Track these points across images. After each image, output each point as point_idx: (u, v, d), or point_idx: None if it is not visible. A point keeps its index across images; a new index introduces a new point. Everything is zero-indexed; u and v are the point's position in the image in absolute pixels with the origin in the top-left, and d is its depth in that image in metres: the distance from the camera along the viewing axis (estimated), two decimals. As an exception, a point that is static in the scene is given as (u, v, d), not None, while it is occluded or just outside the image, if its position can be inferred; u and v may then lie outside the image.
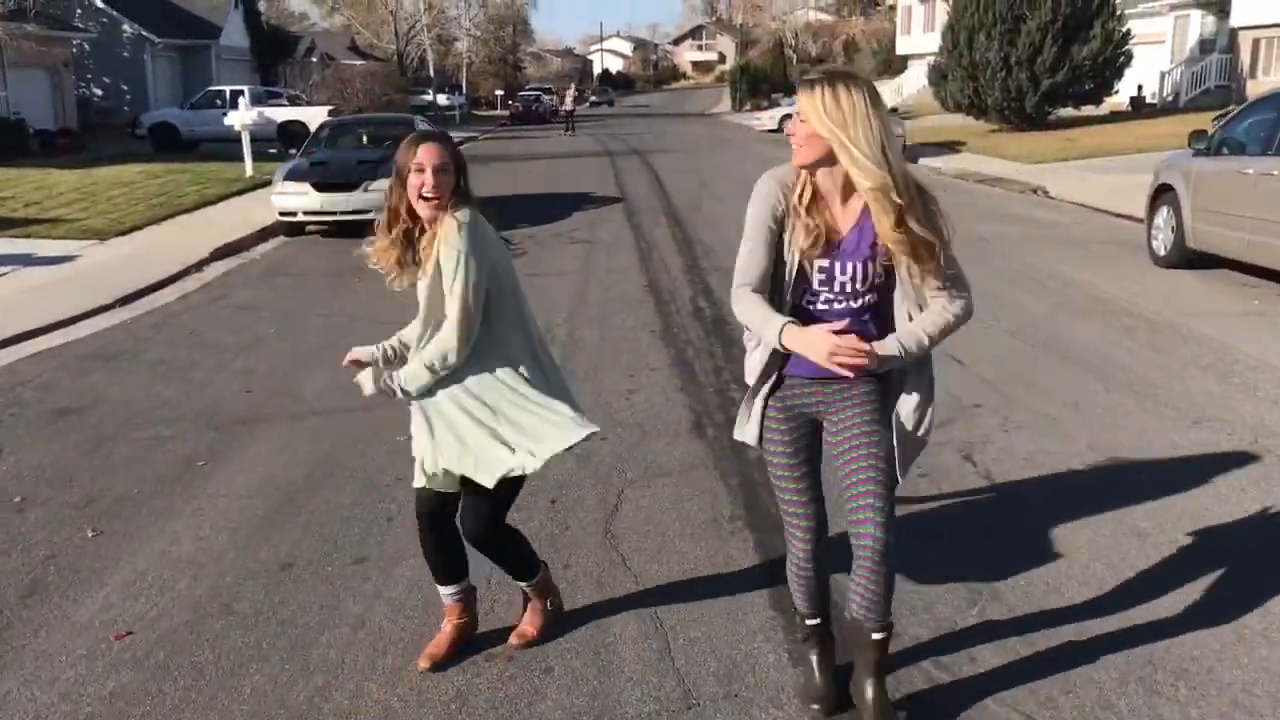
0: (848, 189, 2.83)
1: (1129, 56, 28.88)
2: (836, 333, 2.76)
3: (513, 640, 3.60)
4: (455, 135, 27.61)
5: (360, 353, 3.52)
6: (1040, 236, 12.79)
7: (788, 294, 2.88)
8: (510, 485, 3.33)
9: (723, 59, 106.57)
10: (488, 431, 3.26)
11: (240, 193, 18.06)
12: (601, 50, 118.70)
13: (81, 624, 3.84)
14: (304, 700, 3.32)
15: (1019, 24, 28.17)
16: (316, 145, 15.50)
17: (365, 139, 15.83)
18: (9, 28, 25.86)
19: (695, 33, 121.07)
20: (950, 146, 27.07)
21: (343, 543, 4.46)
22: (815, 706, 3.19)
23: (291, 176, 13.85)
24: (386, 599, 3.95)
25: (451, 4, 64.37)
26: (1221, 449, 5.35)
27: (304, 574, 4.19)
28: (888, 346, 2.81)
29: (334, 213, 13.56)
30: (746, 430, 3.07)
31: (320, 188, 13.56)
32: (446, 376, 3.27)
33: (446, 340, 3.20)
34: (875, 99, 2.76)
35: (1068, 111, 29.99)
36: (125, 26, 36.68)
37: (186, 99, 32.03)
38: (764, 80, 58.70)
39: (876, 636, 3.02)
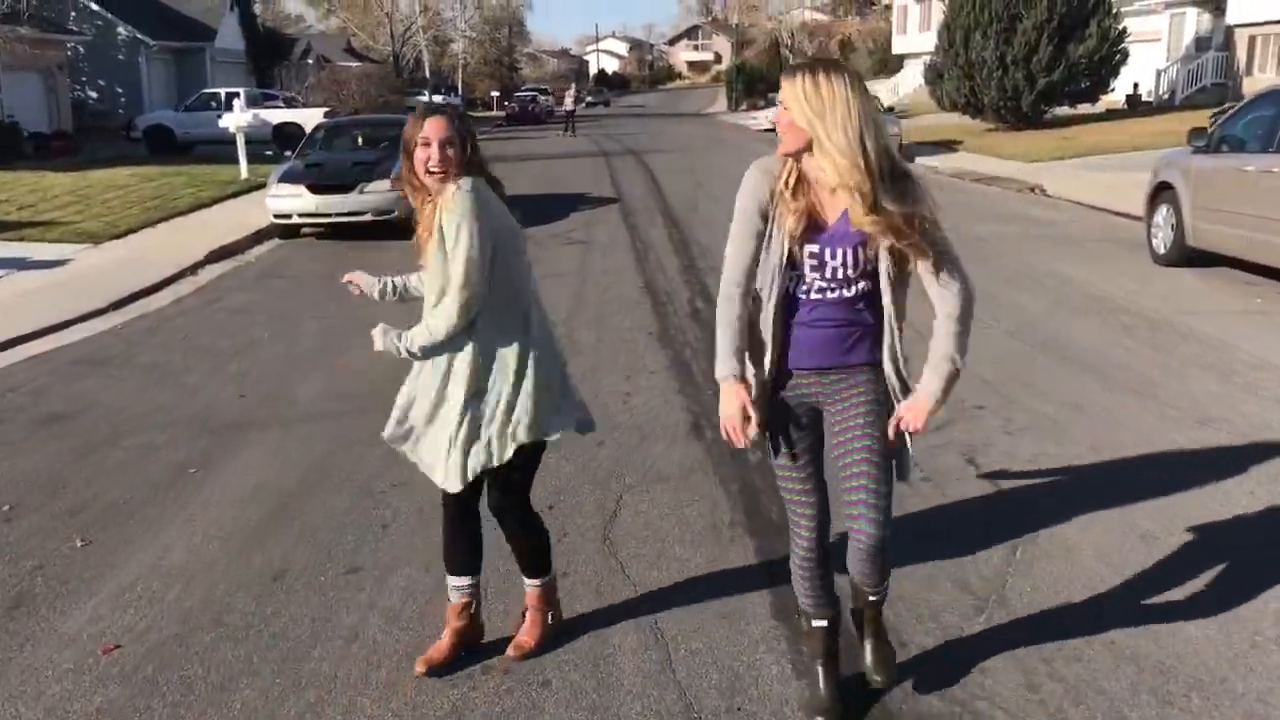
0: None
1: (1125, 54, 28.87)
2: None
3: (510, 652, 3.52)
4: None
5: (360, 276, 3.59)
6: (1038, 235, 12.73)
7: (777, 281, 2.87)
8: (528, 462, 3.34)
9: (718, 59, 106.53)
10: (467, 422, 3.24)
11: (235, 195, 17.97)
12: (597, 51, 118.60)
13: (69, 637, 3.76)
14: (295, 716, 3.24)
15: (1015, 23, 28.15)
16: (311, 147, 15.41)
17: (360, 140, 15.74)
18: (3, 30, 25.75)
19: (691, 33, 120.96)
20: (946, 145, 27.02)
21: (336, 551, 4.38)
22: (819, 719, 3.13)
23: (286, 179, 13.77)
24: (380, 610, 3.87)
25: (447, 5, 64.34)
26: (1226, 450, 5.28)
27: (296, 584, 4.11)
28: (931, 388, 2.85)
29: (329, 215, 13.48)
30: (755, 426, 3.00)
31: (315, 190, 13.48)
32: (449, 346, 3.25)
33: (447, 306, 3.17)
34: (857, 87, 2.75)
35: (1064, 110, 29.97)
36: (120, 29, 36.54)
37: (181, 101, 31.91)
38: (760, 80, 58.58)
39: (873, 597, 3.16)
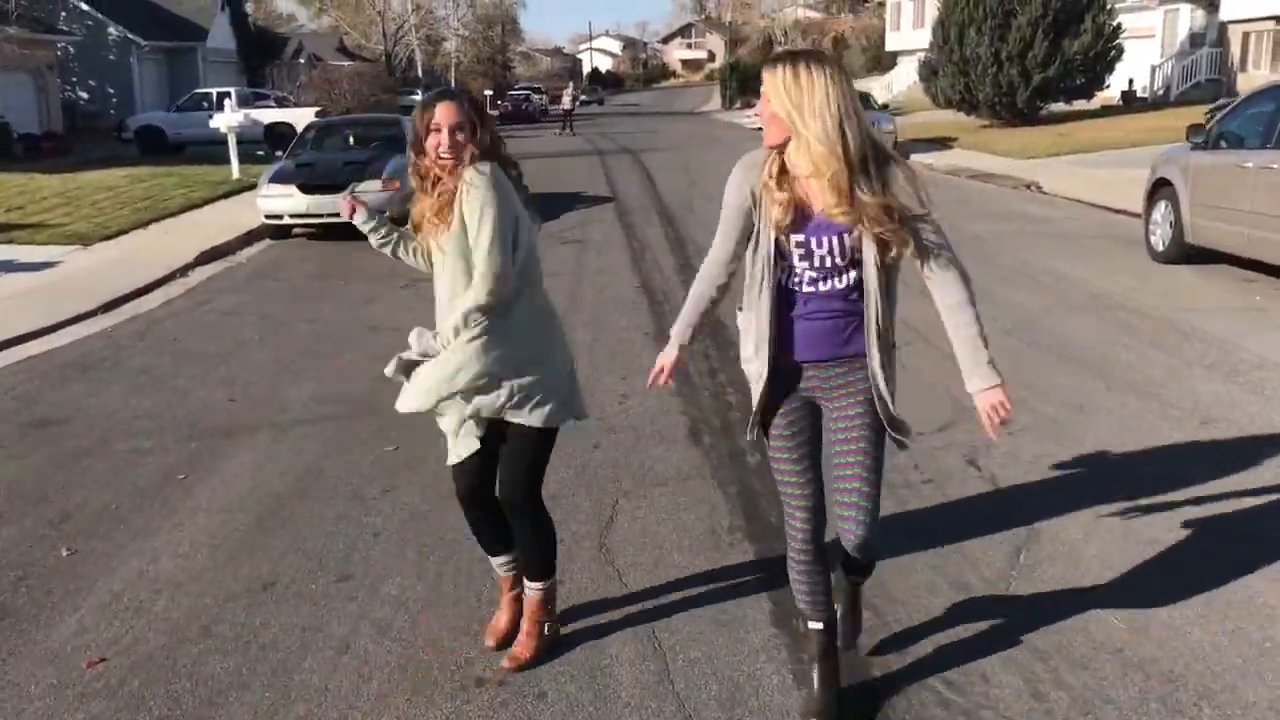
0: None
1: (1120, 51, 28.85)
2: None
3: (505, 663, 3.44)
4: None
5: (362, 204, 3.46)
6: (1035, 233, 12.66)
7: (768, 273, 2.89)
8: (542, 449, 3.32)
9: (712, 57, 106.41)
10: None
11: (226, 195, 17.84)
12: (591, 49, 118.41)
13: (52, 650, 3.67)
14: (285, 731, 3.16)
15: (1009, 19, 28.10)
16: (302, 147, 15.30)
17: (351, 140, 15.64)
18: (-8, 31, 25.62)
19: (684, 31, 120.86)
20: (942, 143, 26.96)
21: (327, 559, 4.29)
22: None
23: (277, 179, 13.65)
24: (372, 620, 3.79)
25: (440, 4, 64.10)
26: (1231, 451, 5.21)
27: (286, 593, 4.02)
28: (981, 367, 2.88)
29: (320, 215, 13.32)
30: (759, 422, 3.06)
31: (306, 190, 13.35)
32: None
33: (476, 291, 3.12)
34: (837, 77, 2.76)
35: (1059, 106, 29.94)
36: (110, 29, 36.38)
37: (173, 102, 31.78)
38: (754, 78, 58.06)
39: (852, 577, 3.29)
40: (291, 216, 13.46)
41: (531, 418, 3.23)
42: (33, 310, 9.28)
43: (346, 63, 48.29)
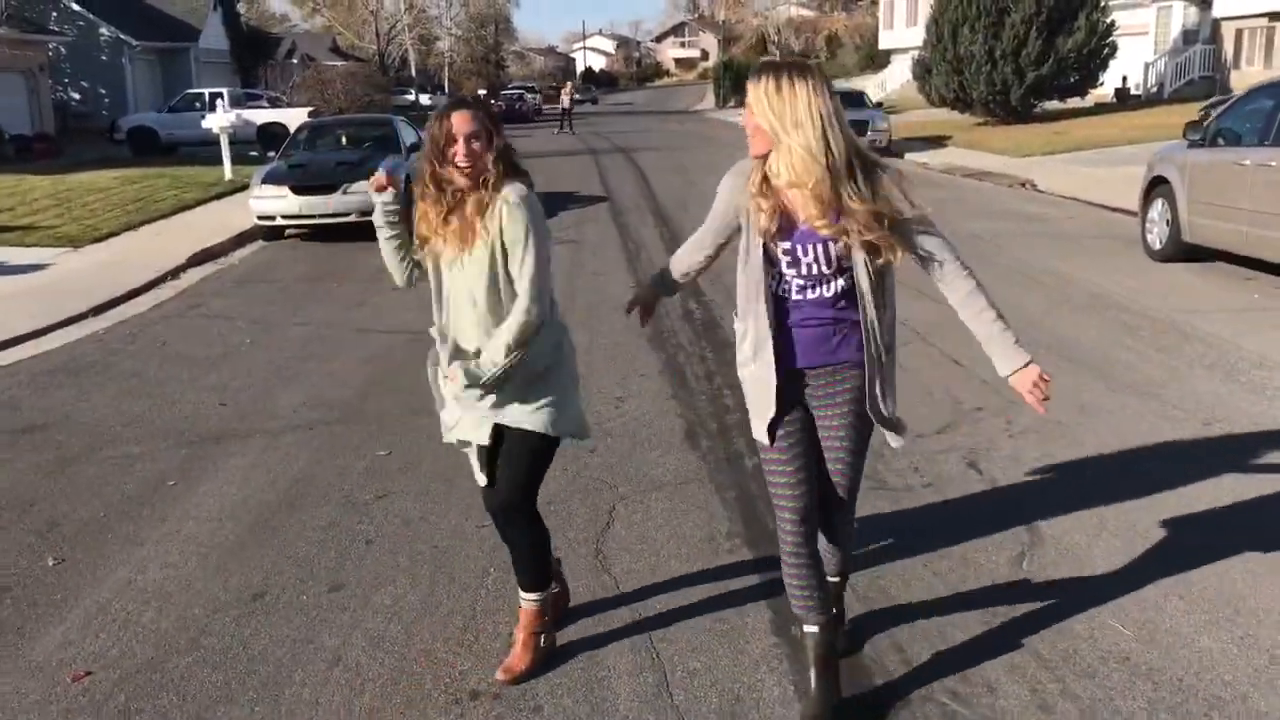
0: None
1: (1113, 48, 28.83)
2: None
3: (499, 675, 3.36)
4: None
5: (383, 178, 3.32)
6: (1032, 232, 12.60)
7: (762, 281, 2.93)
8: (541, 456, 3.29)
9: (705, 56, 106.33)
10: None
11: (219, 196, 17.74)
12: (584, 48, 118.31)
13: (37, 664, 3.58)
14: (274, 748, 3.08)
15: (1003, 16, 28.07)
16: (295, 147, 15.21)
17: (344, 140, 15.56)
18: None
19: (678, 30, 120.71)
20: (936, 141, 26.91)
21: (318, 568, 4.21)
22: None
23: (269, 179, 13.56)
24: (364, 631, 3.71)
25: (433, 3, 64.06)
26: (1236, 452, 5.15)
27: (277, 603, 3.94)
28: (1009, 349, 2.93)
29: (313, 216, 13.28)
30: (762, 427, 3.05)
31: (298, 190, 13.27)
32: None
33: (528, 312, 3.14)
34: (820, 88, 2.79)
35: (1053, 104, 29.91)
36: (102, 30, 36.23)
37: (166, 102, 31.64)
38: (747, 76, 58.44)
39: (831, 580, 3.31)
40: (284, 217, 13.37)
41: (536, 422, 3.22)
42: (22, 313, 9.18)
43: (340, 63, 48.12)
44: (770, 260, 2.91)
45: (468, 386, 3.15)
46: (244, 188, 16.13)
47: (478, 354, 3.21)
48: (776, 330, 2.95)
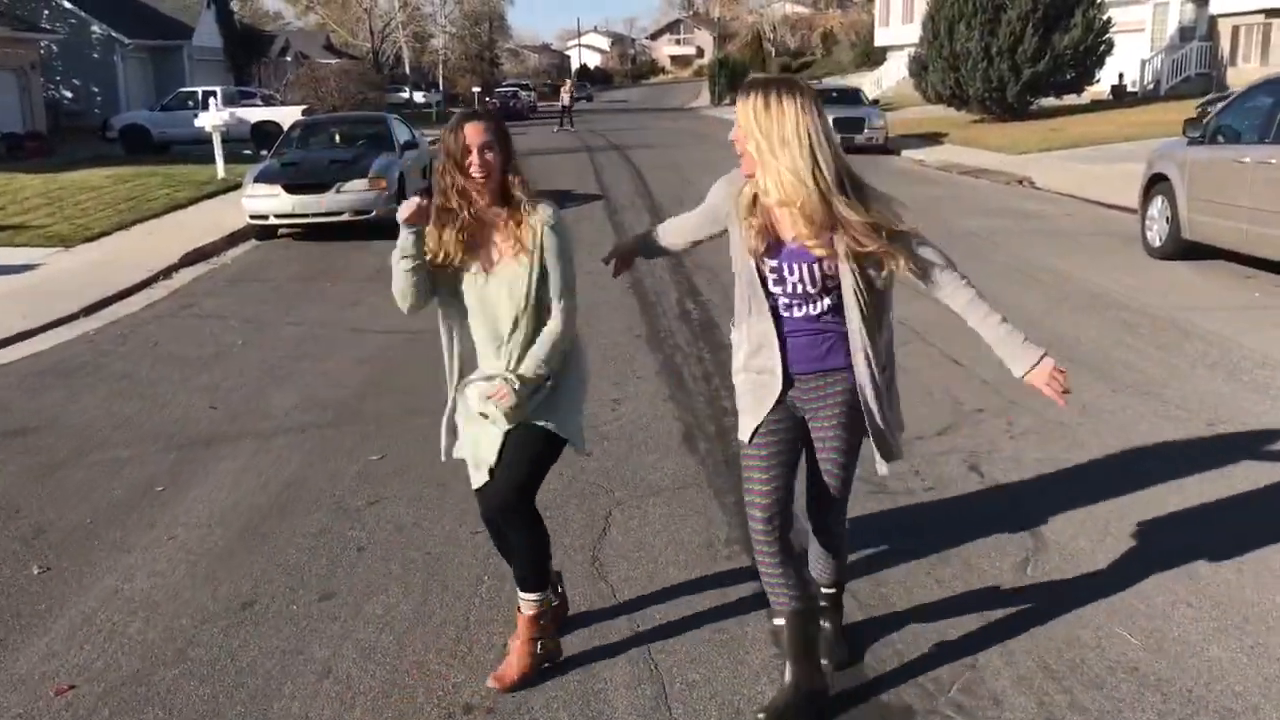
0: None
1: (1110, 45, 28.77)
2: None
3: (490, 683, 3.28)
4: (430, 133, 27.23)
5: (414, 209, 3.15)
6: (1030, 229, 12.53)
7: (756, 294, 2.95)
8: (544, 458, 3.27)
9: (701, 53, 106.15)
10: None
11: (212, 195, 17.62)
12: (579, 45, 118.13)
13: (19, 677, 3.50)
14: (262, 764, 3.00)
15: (999, 13, 28.01)
16: (288, 146, 15.09)
17: (337, 138, 15.45)
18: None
19: (673, 27, 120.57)
20: (932, 138, 26.86)
21: (309, 577, 4.13)
22: (760, 716, 3.03)
23: (262, 178, 13.44)
24: (355, 641, 3.62)
25: (427, 1, 63.83)
26: (1242, 453, 5.07)
27: (266, 613, 3.86)
28: (1020, 349, 2.93)
29: (306, 215, 13.17)
30: (748, 426, 3.06)
31: (291, 189, 13.15)
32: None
33: (569, 326, 3.21)
34: (809, 106, 2.78)
35: (1049, 101, 29.86)
36: (94, 27, 36.05)
37: (159, 100, 31.48)
38: (743, 74, 58.31)
39: (826, 590, 3.35)
40: (276, 216, 13.25)
41: (547, 423, 3.21)
42: (11, 314, 9.07)
43: (333, 60, 48.00)
44: (761, 277, 2.93)
45: (518, 394, 3.13)
46: (237, 186, 16.00)
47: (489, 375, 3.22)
48: (779, 337, 2.96)
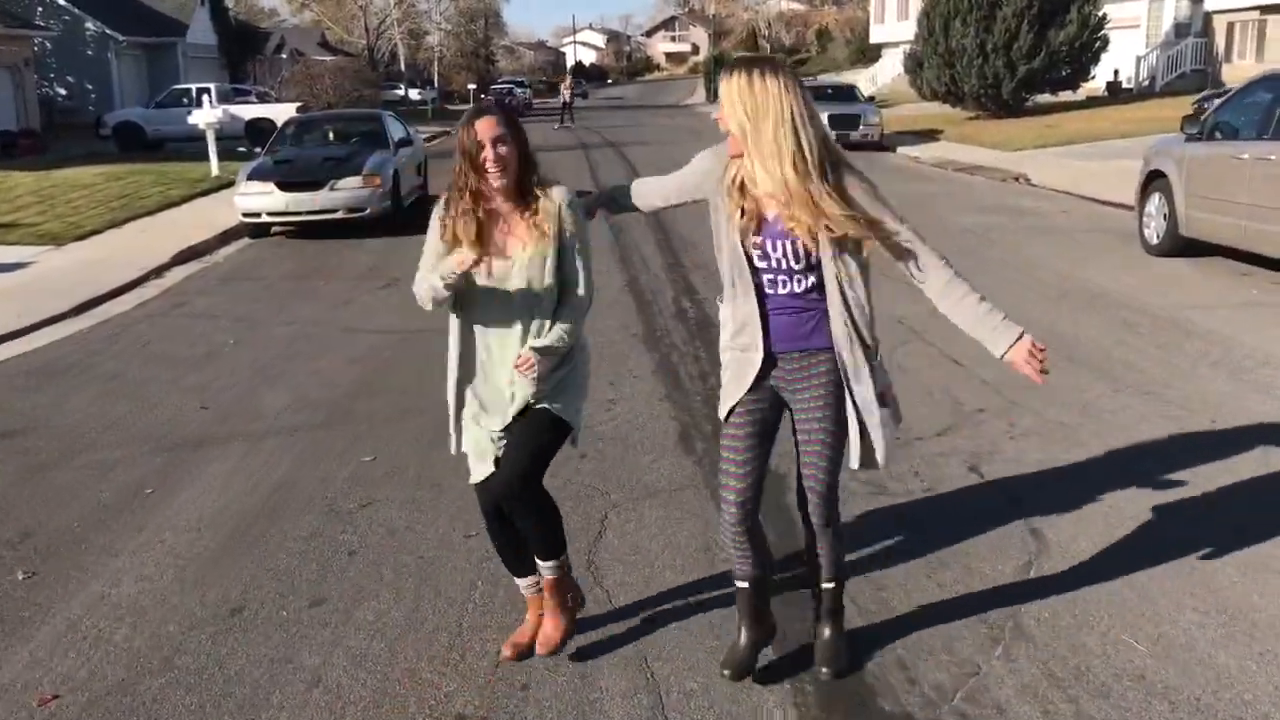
0: None
1: (1105, 41, 28.70)
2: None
3: (540, 650, 3.35)
4: (426, 130, 27.13)
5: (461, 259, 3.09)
6: (1026, 226, 12.47)
7: (742, 272, 2.95)
8: (550, 445, 3.24)
9: (696, 50, 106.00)
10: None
11: (205, 193, 17.52)
12: (574, 42, 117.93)
13: (2, 686, 3.41)
14: (249, 777, 2.93)
15: (995, 9, 27.92)
16: (281, 143, 14.98)
17: (331, 136, 15.32)
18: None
19: (668, 24, 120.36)
20: (928, 135, 26.81)
21: (299, 582, 4.05)
22: (725, 672, 3.20)
23: (255, 176, 13.33)
24: (346, 649, 3.55)
25: (421, -3, 63.63)
26: (1247, 455, 5.01)
27: (255, 619, 3.78)
28: (999, 329, 2.89)
29: (299, 213, 13.06)
30: (727, 404, 3.09)
31: (284, 187, 13.04)
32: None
33: (585, 310, 3.23)
34: (791, 85, 2.80)
35: (1044, 98, 29.79)
36: (88, 24, 35.86)
37: (153, 98, 31.33)
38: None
39: (826, 586, 3.27)
40: (269, 214, 13.15)
41: (554, 406, 3.20)
42: (1, 313, 8.98)
43: (329, 58, 47.88)
44: (745, 254, 2.94)
45: (541, 365, 3.09)
46: (231, 184, 15.91)
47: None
48: (763, 313, 2.98)
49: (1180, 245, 9.93)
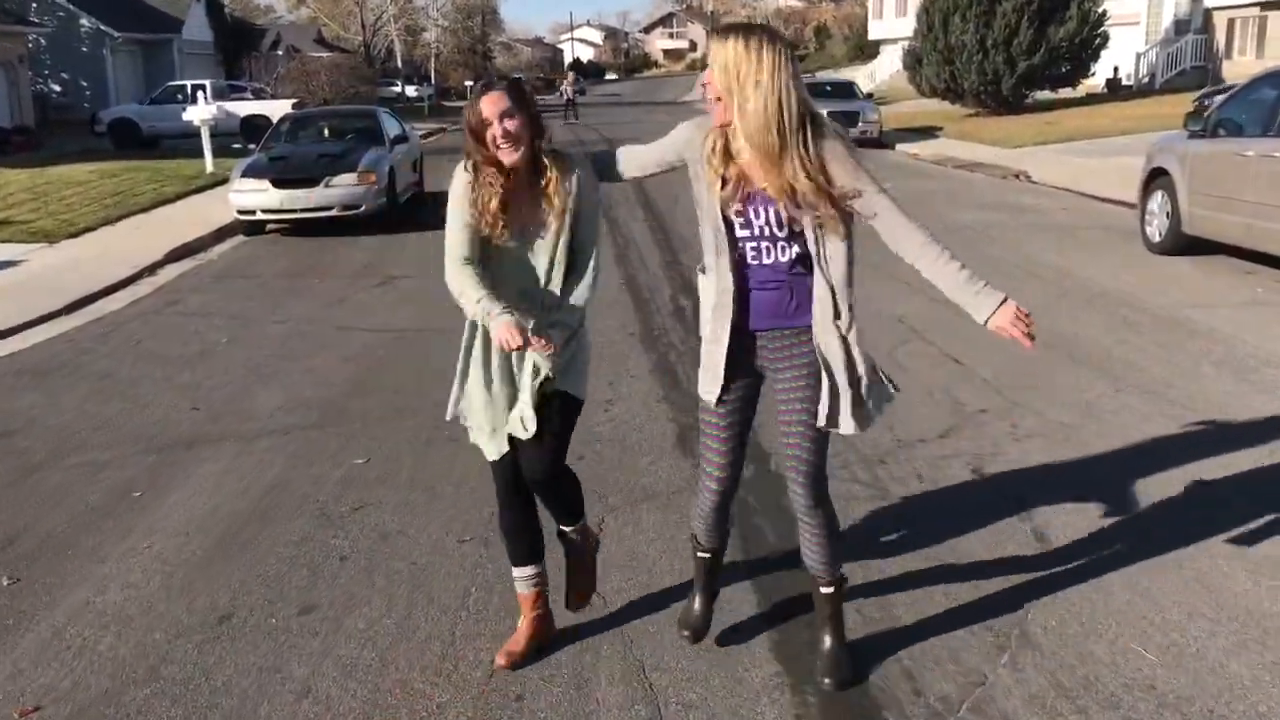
0: None
1: (1105, 38, 28.61)
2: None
3: (576, 604, 3.54)
4: (422, 127, 27.03)
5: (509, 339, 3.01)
6: (1027, 224, 12.39)
7: (722, 243, 2.93)
8: (569, 426, 3.26)
9: (694, 47, 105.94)
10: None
11: (199, 190, 17.42)
12: (572, 39, 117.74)
13: (-18, 698, 3.34)
14: (235, 793, 2.84)
15: (994, 5, 27.83)
16: (276, 140, 14.88)
17: (326, 132, 15.22)
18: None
19: (666, 20, 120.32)
20: (927, 132, 26.73)
21: (288, 588, 3.96)
22: (685, 633, 3.40)
23: (250, 173, 13.23)
24: (336, 658, 3.46)
25: (419, -6, 63.42)
26: (1254, 457, 4.92)
27: (244, 627, 3.69)
28: (980, 294, 2.80)
29: (294, 210, 12.96)
30: (712, 389, 3.06)
31: (279, 184, 12.94)
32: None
33: (595, 283, 3.20)
34: (783, 49, 2.78)
35: (1044, 94, 29.69)
36: (83, 21, 35.76)
37: (149, 94, 31.21)
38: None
39: (824, 590, 3.21)
40: (264, 212, 13.05)
41: (573, 386, 3.21)
42: (-9, 312, 8.89)
43: (325, 54, 47.74)
44: (726, 223, 2.91)
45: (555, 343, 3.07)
46: (225, 181, 15.80)
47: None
48: (740, 291, 2.96)
49: (1183, 243, 9.84)
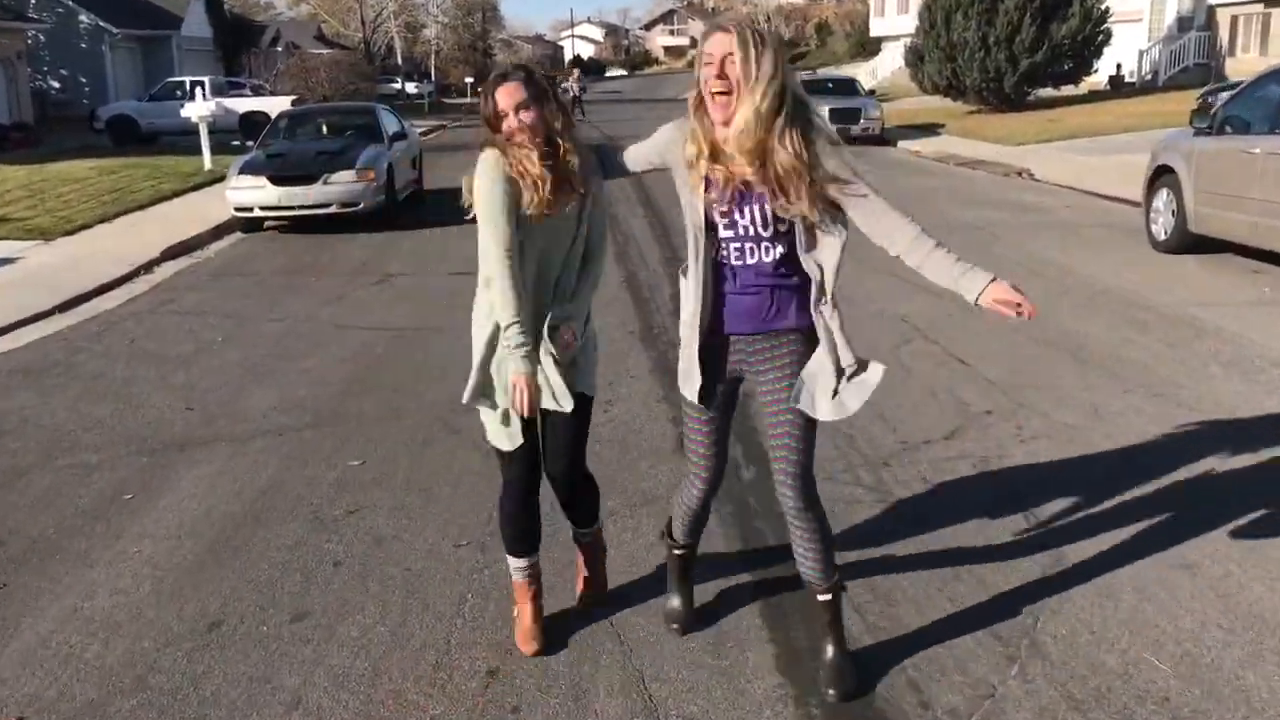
0: None
1: (1108, 35, 28.49)
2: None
3: (581, 604, 3.62)
4: (422, 124, 26.95)
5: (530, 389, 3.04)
6: (1031, 222, 12.30)
7: (701, 244, 2.90)
8: (586, 425, 3.29)
9: (694, 44, 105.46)
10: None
11: (198, 187, 17.32)
12: (573, 36, 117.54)
13: (-35, 709, 3.25)
14: (221, 810, 2.75)
15: (997, 3, 27.73)
16: (274, 137, 14.78)
17: (325, 129, 15.12)
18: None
19: (666, 17, 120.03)
20: (929, 129, 26.62)
21: (280, 595, 3.87)
22: (674, 626, 3.46)
23: (247, 170, 13.14)
24: (328, 667, 3.38)
25: (418, -10, 63.27)
26: (1265, 460, 4.84)
27: (234, 635, 3.61)
28: (969, 274, 2.76)
29: (292, 207, 12.87)
30: (692, 387, 3.03)
31: (277, 181, 12.85)
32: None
33: (601, 274, 3.25)
34: (782, 52, 2.81)
35: (1046, 92, 29.58)
36: (82, 17, 35.63)
37: (147, 91, 31.11)
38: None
39: (822, 598, 3.14)
40: (262, 209, 12.96)
41: (584, 383, 3.22)
42: (-15, 310, 8.80)
43: (325, 51, 47.60)
44: (709, 224, 2.88)
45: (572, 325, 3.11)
46: (224, 178, 15.67)
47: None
48: (714, 296, 2.95)
49: (1189, 242, 9.75)
